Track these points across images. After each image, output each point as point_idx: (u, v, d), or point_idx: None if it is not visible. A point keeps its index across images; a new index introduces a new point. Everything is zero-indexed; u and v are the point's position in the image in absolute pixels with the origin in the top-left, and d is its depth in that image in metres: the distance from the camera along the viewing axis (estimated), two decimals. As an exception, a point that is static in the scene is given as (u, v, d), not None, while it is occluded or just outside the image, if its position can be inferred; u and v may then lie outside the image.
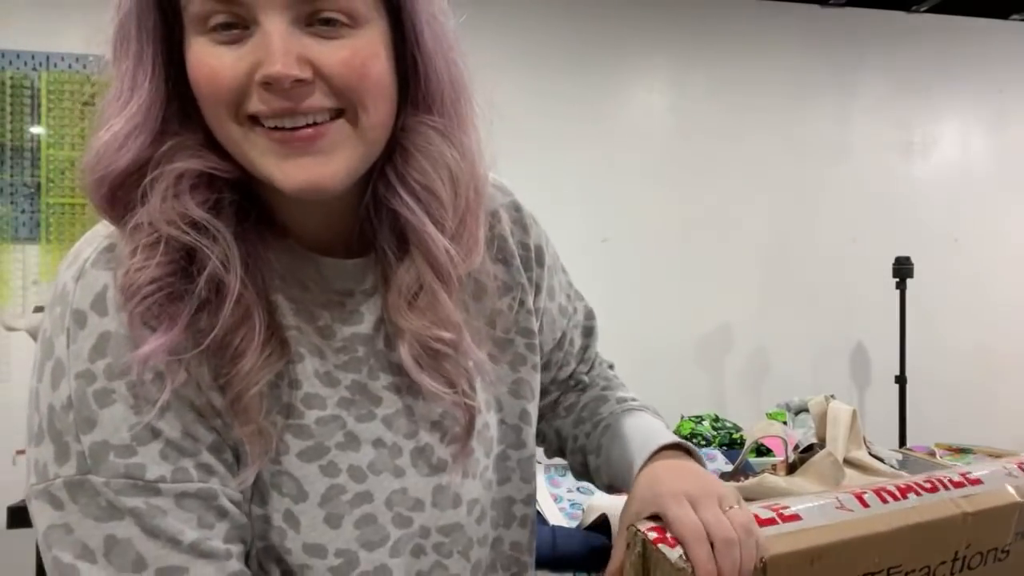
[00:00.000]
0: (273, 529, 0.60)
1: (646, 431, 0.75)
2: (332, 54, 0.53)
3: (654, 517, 0.63)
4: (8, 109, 2.81)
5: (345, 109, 0.54)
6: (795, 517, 0.66)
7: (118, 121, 0.54)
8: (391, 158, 0.60)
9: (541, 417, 0.85)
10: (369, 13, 0.54)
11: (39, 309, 2.32)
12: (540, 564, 1.01)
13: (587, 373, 0.88)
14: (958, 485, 0.72)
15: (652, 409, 0.82)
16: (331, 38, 0.53)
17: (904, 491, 0.71)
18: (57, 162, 2.83)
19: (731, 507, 0.62)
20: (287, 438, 0.60)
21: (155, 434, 0.54)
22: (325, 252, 0.64)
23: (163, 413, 0.54)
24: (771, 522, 0.65)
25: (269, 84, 0.51)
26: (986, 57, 3.64)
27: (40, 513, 0.55)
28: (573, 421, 0.85)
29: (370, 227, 0.63)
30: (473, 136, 0.62)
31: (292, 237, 0.62)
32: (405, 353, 0.62)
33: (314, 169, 0.54)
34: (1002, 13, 3.61)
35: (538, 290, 0.77)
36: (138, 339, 0.53)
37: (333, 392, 0.62)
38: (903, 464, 1.76)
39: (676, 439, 0.73)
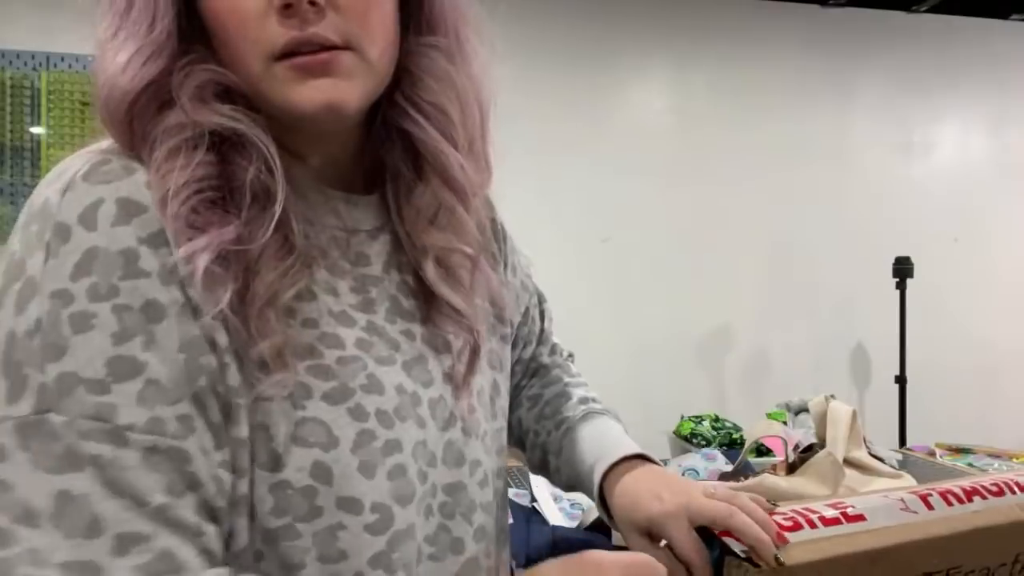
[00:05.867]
0: (295, 493, 0.52)
1: (608, 438, 0.78)
2: None
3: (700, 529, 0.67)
4: (8, 109, 2.81)
5: (353, 46, 0.54)
6: (860, 517, 0.67)
7: (139, 43, 0.53)
8: (398, 83, 0.60)
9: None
10: None
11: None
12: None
13: (548, 355, 0.90)
14: None
15: (613, 413, 0.84)
16: None
17: (970, 494, 0.71)
18: (57, 162, 2.82)
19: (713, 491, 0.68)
20: (308, 380, 0.55)
21: (137, 370, 0.47)
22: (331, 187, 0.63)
23: (149, 346, 0.47)
24: (835, 522, 0.66)
25: (289, 6, 0.51)
26: (986, 57, 3.64)
27: None
28: (535, 416, 0.85)
29: (379, 162, 0.64)
30: (476, 61, 0.63)
31: (298, 170, 0.60)
32: (430, 269, 0.63)
33: (331, 92, 0.54)
34: (1002, 13, 3.61)
35: (505, 264, 0.79)
36: (182, 239, 0.49)
37: (350, 332, 0.58)
38: (903, 464, 1.76)
39: (637, 449, 0.76)
